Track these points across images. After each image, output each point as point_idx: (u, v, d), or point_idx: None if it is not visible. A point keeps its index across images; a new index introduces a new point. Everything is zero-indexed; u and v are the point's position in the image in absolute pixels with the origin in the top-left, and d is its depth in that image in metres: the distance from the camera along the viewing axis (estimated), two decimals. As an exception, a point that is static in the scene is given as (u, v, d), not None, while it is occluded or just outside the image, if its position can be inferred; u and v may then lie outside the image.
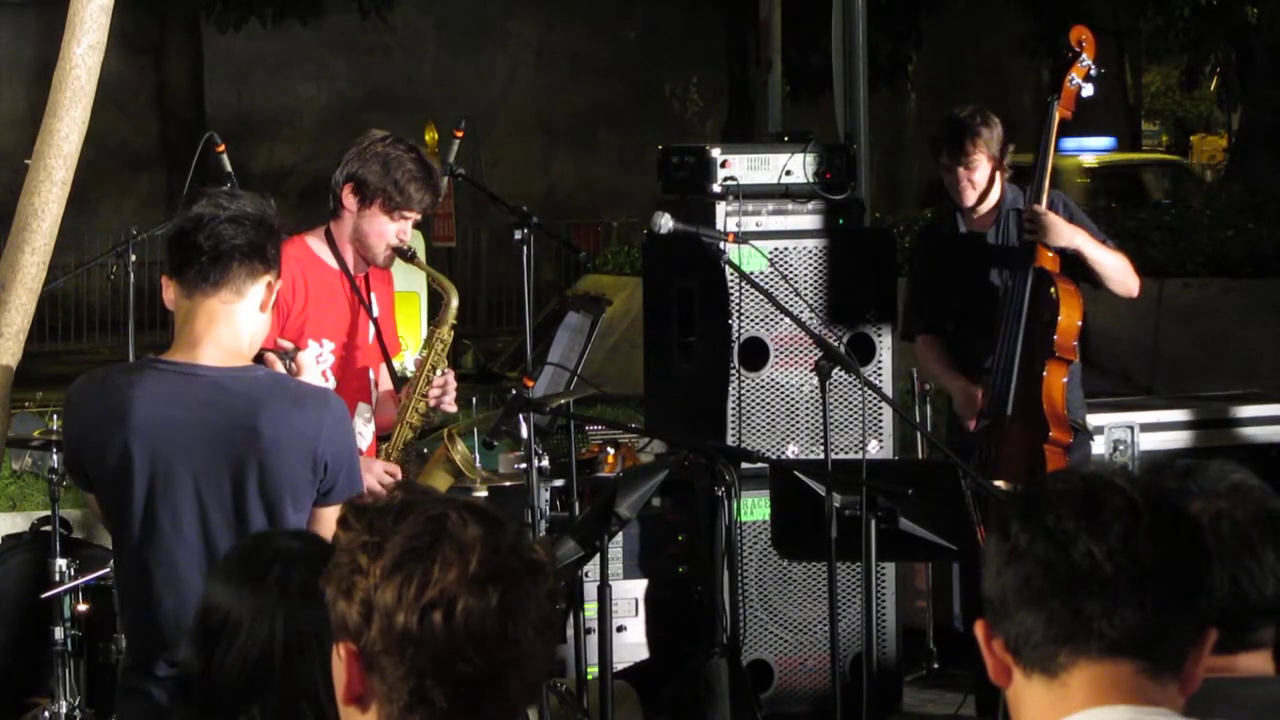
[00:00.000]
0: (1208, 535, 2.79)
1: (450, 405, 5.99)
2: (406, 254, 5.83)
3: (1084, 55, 7.48)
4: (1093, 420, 7.98)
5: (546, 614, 2.31)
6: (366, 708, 2.31)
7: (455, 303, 5.99)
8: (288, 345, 4.94)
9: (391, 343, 5.97)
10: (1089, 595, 2.29)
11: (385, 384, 5.95)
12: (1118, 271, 7.44)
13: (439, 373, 5.90)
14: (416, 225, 6.02)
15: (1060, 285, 7.33)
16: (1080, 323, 7.38)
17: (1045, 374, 7.31)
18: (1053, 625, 2.30)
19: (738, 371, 7.71)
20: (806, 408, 7.74)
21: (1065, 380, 7.34)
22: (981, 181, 7.46)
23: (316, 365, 5.46)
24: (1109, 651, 2.29)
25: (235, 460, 4.26)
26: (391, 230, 5.72)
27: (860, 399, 7.65)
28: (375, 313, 5.90)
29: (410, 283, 15.40)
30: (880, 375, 7.82)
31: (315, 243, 5.72)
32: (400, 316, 17.08)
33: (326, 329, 5.57)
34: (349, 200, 5.73)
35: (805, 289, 7.70)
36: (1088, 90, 7.50)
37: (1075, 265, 7.38)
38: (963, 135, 7.46)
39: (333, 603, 2.32)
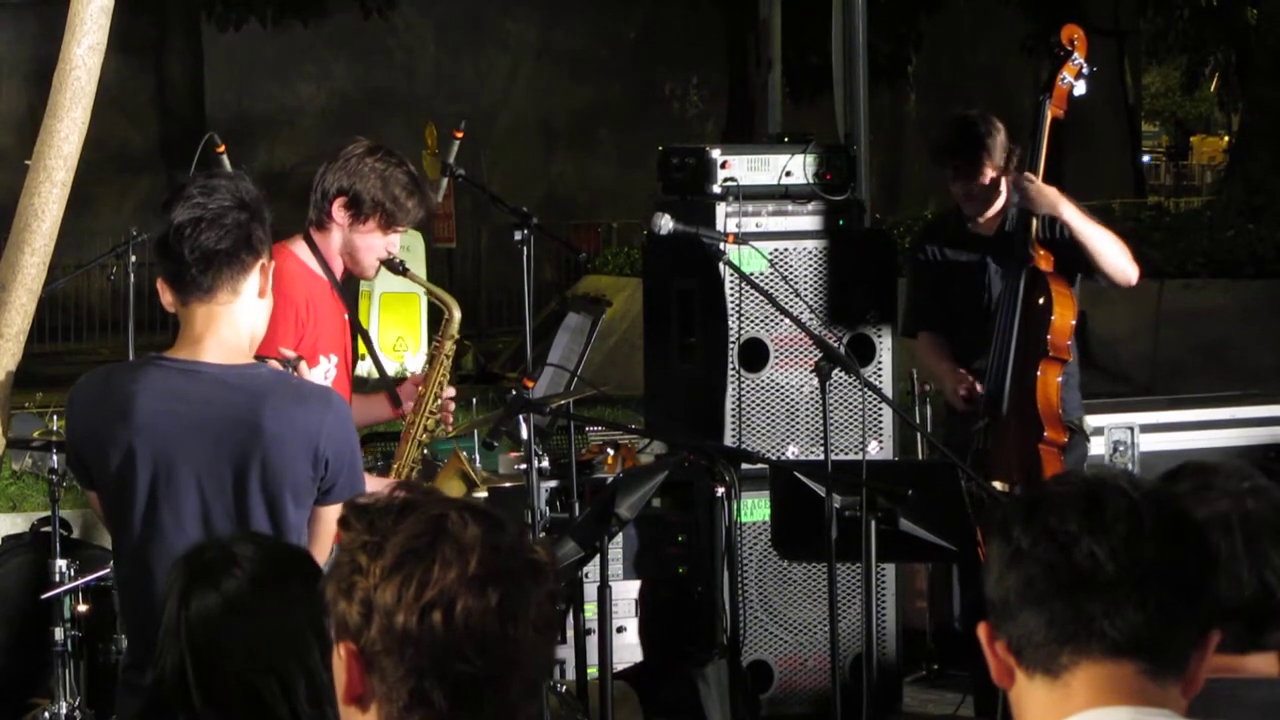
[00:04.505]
0: (1214, 537, 2.80)
1: (449, 418, 5.98)
2: (396, 267, 5.80)
3: (1076, 54, 7.45)
4: (1093, 421, 7.97)
5: (547, 614, 2.31)
6: (366, 708, 2.31)
7: (458, 316, 5.96)
8: (290, 354, 4.94)
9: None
10: (1091, 596, 2.29)
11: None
12: (1110, 250, 7.26)
13: (445, 388, 5.89)
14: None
15: (1054, 285, 7.31)
16: (1074, 322, 7.35)
17: (1039, 374, 7.29)
18: (1055, 626, 2.30)
19: (738, 372, 7.71)
20: (806, 408, 7.74)
21: (1060, 380, 7.32)
22: (990, 190, 7.43)
23: (325, 380, 5.45)
24: (1111, 652, 2.29)
25: (237, 456, 4.27)
26: (382, 245, 5.68)
27: (860, 400, 7.65)
28: (362, 326, 5.88)
29: (411, 284, 15.41)
30: (880, 376, 7.82)
31: (303, 253, 5.64)
32: (400, 317, 17.17)
33: (330, 344, 5.55)
34: (340, 214, 5.62)
35: (805, 290, 7.70)
36: (1080, 89, 7.47)
37: (1071, 261, 7.35)
38: (972, 149, 7.38)
39: (333, 602, 2.32)
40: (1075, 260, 7.34)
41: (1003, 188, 7.45)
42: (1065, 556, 2.30)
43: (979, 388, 7.36)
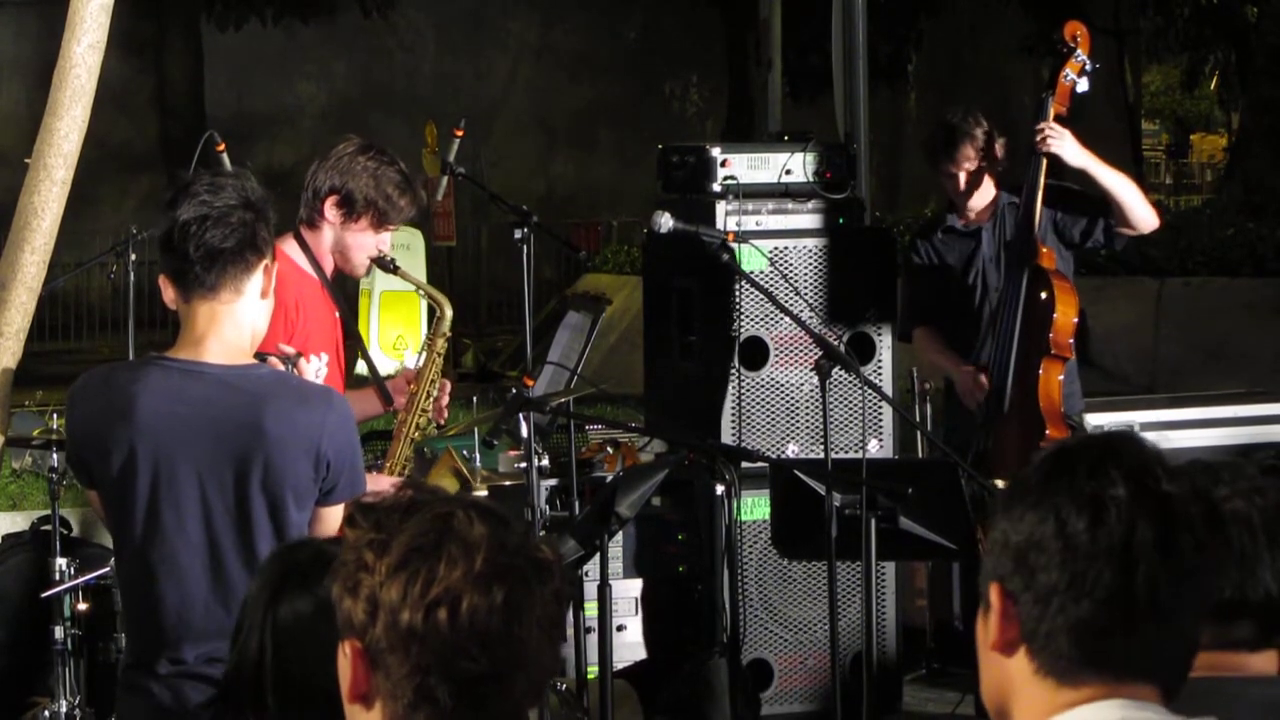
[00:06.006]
0: (1235, 535, 2.78)
1: (442, 415, 5.98)
2: (387, 265, 5.79)
3: (1079, 51, 7.48)
4: (1093, 420, 7.98)
5: (552, 613, 2.31)
6: (371, 705, 2.32)
7: (450, 314, 5.97)
8: (289, 351, 4.94)
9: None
10: (1136, 633, 2.22)
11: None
12: (1133, 197, 7.38)
13: (437, 386, 5.88)
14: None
15: (1056, 283, 7.33)
16: (1076, 320, 7.38)
17: (1041, 371, 7.31)
18: (1088, 651, 2.23)
19: (738, 371, 7.71)
20: (806, 407, 7.74)
21: (1061, 378, 7.34)
22: (975, 178, 7.50)
23: (316, 379, 5.44)
24: (1136, 677, 2.25)
25: (239, 457, 4.26)
26: (373, 243, 5.68)
27: (860, 398, 7.65)
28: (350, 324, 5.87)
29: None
30: (880, 374, 7.82)
31: (293, 252, 5.64)
32: (400, 316, 17.18)
33: (320, 342, 5.55)
34: (331, 213, 5.63)
35: (805, 288, 7.70)
36: (1083, 86, 7.49)
37: (1079, 230, 7.41)
38: (954, 137, 7.49)
39: (339, 600, 2.32)
40: (1085, 229, 7.41)
41: (989, 180, 7.53)
42: (1127, 582, 2.20)
43: (984, 379, 7.39)
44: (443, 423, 6.11)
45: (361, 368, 6.95)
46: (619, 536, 7.29)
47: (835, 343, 7.07)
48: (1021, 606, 2.26)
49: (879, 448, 7.84)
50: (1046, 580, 2.23)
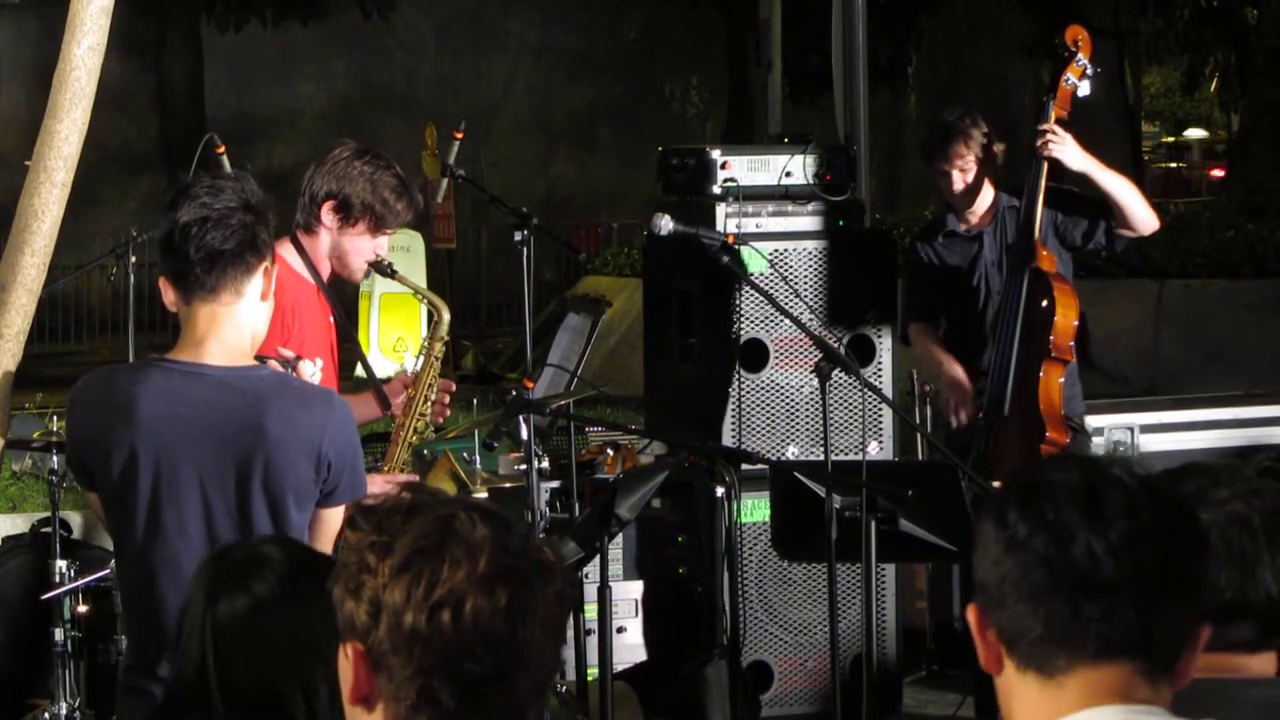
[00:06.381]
0: (1234, 537, 2.78)
1: (441, 416, 5.97)
2: (385, 269, 5.79)
3: (1080, 55, 7.48)
4: (1093, 421, 7.98)
5: (555, 615, 2.31)
6: (373, 707, 2.32)
7: (448, 318, 5.97)
8: (289, 354, 4.94)
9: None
10: (1089, 596, 2.26)
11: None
12: (1134, 201, 7.38)
13: (435, 390, 5.88)
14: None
15: (1056, 285, 7.33)
16: (1076, 323, 7.38)
17: (1042, 375, 7.31)
18: (1051, 625, 2.27)
19: (738, 373, 7.71)
20: (806, 409, 7.74)
21: (1062, 380, 7.34)
22: (974, 180, 7.50)
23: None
24: (1107, 654, 2.27)
25: (240, 458, 4.27)
26: (370, 247, 5.68)
27: (860, 400, 7.65)
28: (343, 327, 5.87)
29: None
30: (880, 376, 7.82)
31: (290, 256, 5.63)
32: (400, 318, 17.15)
33: (315, 347, 5.55)
34: (329, 218, 5.63)
35: (805, 290, 7.70)
36: (1084, 90, 7.49)
37: (1079, 234, 7.41)
38: (950, 136, 7.49)
39: (340, 602, 2.32)
40: (1086, 232, 7.41)
41: (988, 183, 7.54)
42: (1063, 551, 2.26)
43: (967, 384, 7.39)
44: (442, 421, 6.11)
45: (360, 372, 6.96)
46: (619, 538, 7.30)
47: (835, 345, 7.07)
48: (990, 612, 2.32)
49: (879, 450, 7.84)
50: (999, 572, 2.30)
